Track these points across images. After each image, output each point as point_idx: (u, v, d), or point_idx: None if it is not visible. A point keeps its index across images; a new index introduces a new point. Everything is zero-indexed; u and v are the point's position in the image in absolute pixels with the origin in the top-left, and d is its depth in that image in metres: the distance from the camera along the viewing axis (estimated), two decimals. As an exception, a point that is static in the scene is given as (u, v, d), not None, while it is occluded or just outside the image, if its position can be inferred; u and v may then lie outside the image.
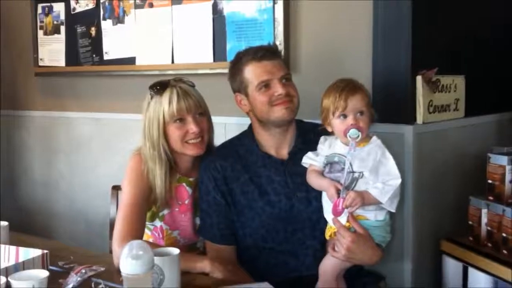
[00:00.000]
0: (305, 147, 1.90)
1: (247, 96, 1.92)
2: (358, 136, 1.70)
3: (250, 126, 2.01)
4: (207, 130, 1.96)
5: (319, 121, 1.85)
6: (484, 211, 1.99)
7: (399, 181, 1.71)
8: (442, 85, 2.16)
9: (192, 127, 1.90)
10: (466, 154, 2.28)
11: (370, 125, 1.78)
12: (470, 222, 2.05)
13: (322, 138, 1.85)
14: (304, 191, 1.88)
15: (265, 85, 1.87)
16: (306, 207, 1.89)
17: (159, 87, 1.92)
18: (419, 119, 2.09)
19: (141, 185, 1.91)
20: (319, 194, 1.85)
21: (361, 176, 1.72)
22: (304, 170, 1.86)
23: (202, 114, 1.95)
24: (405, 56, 2.08)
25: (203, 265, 1.74)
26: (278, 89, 1.86)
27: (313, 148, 1.87)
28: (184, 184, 2.00)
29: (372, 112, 1.78)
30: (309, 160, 1.85)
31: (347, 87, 1.76)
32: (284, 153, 1.95)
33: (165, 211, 1.98)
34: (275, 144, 1.95)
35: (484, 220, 1.99)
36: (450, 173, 2.23)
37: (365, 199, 1.70)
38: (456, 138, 2.26)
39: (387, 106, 2.12)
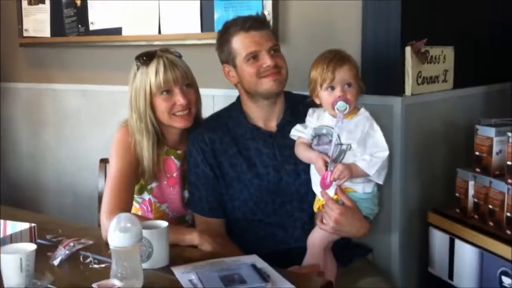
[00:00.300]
0: (294, 119, 1.89)
1: (235, 68, 1.90)
2: (346, 108, 1.70)
3: (238, 98, 1.99)
4: (194, 102, 1.94)
5: (308, 93, 1.84)
6: (471, 183, 2.00)
7: (386, 153, 1.72)
8: (431, 56, 2.15)
9: (179, 99, 1.88)
10: (455, 126, 2.28)
11: (358, 97, 1.77)
12: (457, 194, 2.06)
13: (310, 110, 1.84)
14: (292, 163, 1.88)
15: (253, 57, 1.85)
16: (295, 180, 1.90)
17: (146, 58, 1.89)
18: (408, 90, 2.08)
19: (128, 158, 1.90)
20: (307, 166, 1.85)
21: (349, 148, 1.72)
22: (292, 142, 1.86)
23: (189, 85, 1.93)
24: (394, 27, 2.06)
25: (192, 237, 1.74)
26: (267, 61, 1.84)
27: (302, 120, 1.86)
28: (172, 156, 1.99)
29: (360, 84, 1.77)
30: (297, 132, 1.84)
31: (335, 58, 1.74)
32: (272, 125, 1.94)
33: (153, 184, 1.97)
34: (264, 116, 1.94)
35: (471, 192, 2.00)
36: (439, 145, 2.24)
37: (353, 172, 1.70)
38: (444, 109, 2.26)
39: (376, 78, 2.11)
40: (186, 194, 2.00)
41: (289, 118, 1.92)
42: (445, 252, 2.01)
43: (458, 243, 1.96)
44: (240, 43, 1.86)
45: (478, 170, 1.98)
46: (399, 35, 2.06)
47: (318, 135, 1.78)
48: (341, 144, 1.72)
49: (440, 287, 2.04)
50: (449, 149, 2.27)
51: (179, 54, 1.95)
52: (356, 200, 1.77)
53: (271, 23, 2.22)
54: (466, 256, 1.92)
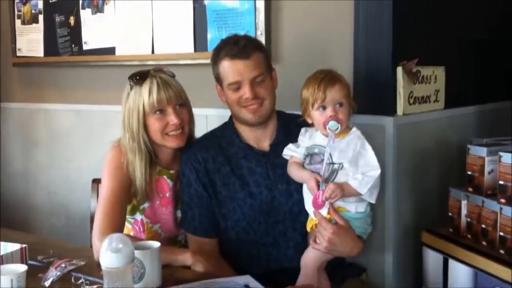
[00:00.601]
0: (287, 139, 1.89)
1: (222, 89, 1.91)
2: (338, 128, 1.71)
3: (231, 117, 2.00)
4: (187, 121, 1.94)
5: (300, 112, 1.85)
6: (463, 203, 2.00)
7: (378, 171, 1.72)
8: (422, 76, 2.17)
9: (173, 119, 1.88)
10: (447, 145, 2.29)
11: (350, 117, 1.78)
12: (450, 214, 2.06)
13: (302, 130, 1.85)
14: (285, 183, 1.88)
15: (236, 87, 1.85)
16: (287, 199, 1.89)
17: (139, 77, 1.89)
18: (400, 110, 2.09)
19: (121, 178, 1.89)
20: (300, 186, 1.85)
21: (341, 167, 1.72)
22: (285, 162, 1.86)
23: (183, 105, 1.93)
24: (386, 47, 2.08)
25: (185, 257, 1.73)
26: (246, 92, 1.83)
27: (295, 139, 1.86)
28: (165, 176, 1.99)
29: (352, 103, 1.78)
30: (290, 152, 1.85)
31: (326, 78, 1.75)
32: (265, 145, 1.95)
33: (146, 204, 1.96)
34: (255, 137, 1.94)
35: (464, 211, 2.00)
36: (431, 164, 2.25)
37: (345, 191, 1.70)
38: (436, 129, 2.27)
39: (368, 97, 2.12)
40: (179, 214, 1.99)
41: (282, 138, 1.92)
42: (439, 271, 2.00)
43: (452, 262, 1.95)
44: (225, 70, 1.87)
45: (470, 189, 1.99)
46: (390, 55, 2.07)
47: (310, 155, 1.79)
48: (333, 164, 1.72)
49: (434, 306, 2.03)
50: (441, 168, 2.27)
51: (173, 73, 1.96)
52: (349, 219, 1.76)
53: (263, 42, 2.23)
54: (460, 275, 1.91)
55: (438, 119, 2.27)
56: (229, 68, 1.85)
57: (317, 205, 1.73)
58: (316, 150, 1.77)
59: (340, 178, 1.73)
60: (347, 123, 1.77)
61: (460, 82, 2.37)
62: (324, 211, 1.74)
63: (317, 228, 1.76)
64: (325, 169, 1.71)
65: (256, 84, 1.85)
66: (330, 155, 1.72)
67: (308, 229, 1.84)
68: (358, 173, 1.71)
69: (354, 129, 1.78)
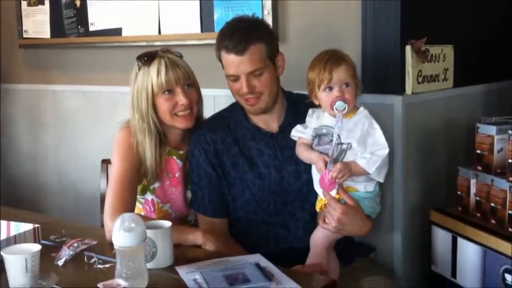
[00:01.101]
0: (296, 120, 1.89)
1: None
2: (345, 108, 1.70)
3: None
4: (196, 101, 1.94)
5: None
6: (472, 181, 2.00)
7: (386, 150, 1.71)
8: (431, 55, 2.16)
9: (181, 99, 1.88)
10: (455, 124, 2.29)
11: (356, 96, 1.77)
12: (459, 193, 2.06)
13: (310, 111, 1.85)
14: (294, 164, 1.89)
15: (234, 79, 1.85)
16: (296, 180, 1.90)
17: (147, 58, 1.89)
18: (408, 89, 2.09)
19: (130, 159, 1.90)
20: (309, 167, 1.85)
21: (350, 147, 1.72)
22: (294, 143, 1.86)
23: (191, 85, 1.93)
24: (394, 26, 2.07)
25: (195, 237, 1.75)
26: (243, 87, 1.83)
27: (303, 120, 1.86)
28: (174, 157, 1.99)
29: (358, 83, 1.78)
30: (298, 133, 1.85)
31: (331, 58, 1.74)
32: (274, 126, 1.94)
33: (156, 184, 1.97)
34: (263, 120, 1.94)
35: (472, 190, 2.00)
36: (440, 143, 2.25)
37: (353, 170, 1.70)
38: (445, 108, 2.26)
39: (376, 77, 2.12)
40: (189, 194, 2.00)
41: (291, 119, 1.92)
42: (447, 250, 2.01)
43: (460, 241, 1.96)
44: (223, 61, 1.87)
45: (479, 168, 1.99)
46: (399, 34, 2.06)
47: (318, 135, 1.79)
48: (341, 144, 1.72)
49: (443, 285, 2.04)
50: (450, 148, 2.27)
51: (180, 54, 1.95)
52: (358, 199, 1.77)
53: (270, 22, 2.21)
54: (469, 254, 1.92)
55: (447, 98, 2.26)
56: (226, 61, 1.85)
57: (324, 186, 1.73)
58: (324, 131, 1.77)
59: (348, 158, 1.73)
60: (354, 103, 1.76)
61: (469, 60, 2.36)
62: (333, 191, 1.75)
63: (326, 208, 1.77)
64: (333, 150, 1.71)
65: (253, 77, 1.83)
66: (338, 135, 1.72)
67: (317, 209, 1.84)
68: (367, 152, 1.71)
69: (361, 108, 1.77)
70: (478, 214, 1.98)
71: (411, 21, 2.08)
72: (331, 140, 1.72)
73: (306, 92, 1.86)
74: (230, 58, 1.83)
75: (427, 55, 2.14)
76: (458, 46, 2.28)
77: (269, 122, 1.94)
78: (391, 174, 2.06)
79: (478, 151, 1.99)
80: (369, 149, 1.72)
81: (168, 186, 1.99)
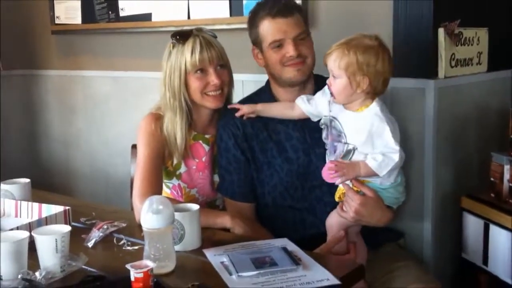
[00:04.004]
0: None
1: (262, 52, 1.90)
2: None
3: (268, 82, 1.99)
4: (227, 83, 1.94)
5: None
6: (506, 167, 1.96)
7: (397, 155, 1.62)
8: (464, 38, 2.11)
9: (213, 79, 1.88)
10: (489, 109, 2.24)
11: (353, 92, 1.65)
12: (492, 179, 2.02)
13: (326, 88, 1.76)
14: (322, 146, 1.86)
15: (278, 45, 1.84)
16: (324, 163, 1.88)
17: (182, 36, 1.89)
18: (441, 73, 2.05)
19: (154, 144, 1.92)
20: None
21: (354, 150, 1.67)
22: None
23: (223, 66, 1.93)
24: (427, 8, 2.03)
25: (224, 220, 1.75)
26: (290, 50, 1.82)
27: None
28: (200, 141, 2.00)
29: (360, 79, 1.63)
30: (301, 102, 1.83)
31: (339, 44, 1.68)
32: None
33: (182, 169, 1.98)
34: (292, 100, 1.92)
35: (506, 176, 1.96)
36: (472, 128, 2.20)
37: (362, 171, 1.64)
38: (478, 92, 2.22)
39: (408, 60, 2.08)
40: (216, 178, 2.01)
41: None
42: (479, 237, 1.98)
43: (492, 228, 1.92)
44: (266, 29, 1.86)
45: (513, 154, 1.95)
46: (431, 16, 2.02)
47: (326, 126, 1.75)
48: (347, 143, 1.68)
49: (474, 272, 2.01)
50: (482, 133, 2.23)
51: (214, 34, 1.95)
52: (377, 189, 1.72)
53: (300, 5, 2.19)
54: (501, 241, 1.89)
55: (480, 82, 2.21)
56: (271, 27, 1.84)
57: (326, 177, 1.70)
58: (333, 123, 1.73)
59: (357, 157, 1.67)
60: (343, 99, 1.68)
61: (504, 44, 2.30)
62: (348, 181, 1.71)
63: (345, 198, 1.73)
64: (330, 144, 1.70)
65: (299, 42, 1.84)
66: (344, 134, 1.68)
67: (336, 198, 1.80)
68: (377, 153, 1.64)
69: (373, 104, 1.68)
70: (511, 201, 1.94)
71: (444, 3, 2.04)
72: (339, 135, 1.69)
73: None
74: (276, 23, 1.83)
75: (461, 38, 2.10)
76: (493, 29, 2.22)
77: None
78: (421, 160, 2.03)
79: (512, 136, 1.95)
80: (379, 150, 1.64)
81: (195, 171, 1.99)
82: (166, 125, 1.93)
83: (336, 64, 1.65)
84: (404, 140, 2.01)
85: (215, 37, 1.95)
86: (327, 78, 1.96)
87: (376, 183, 1.72)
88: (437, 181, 2.05)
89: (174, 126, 1.91)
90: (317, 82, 1.95)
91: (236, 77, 2.11)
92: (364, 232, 1.83)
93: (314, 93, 1.92)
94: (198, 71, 1.88)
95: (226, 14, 2.57)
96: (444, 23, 2.02)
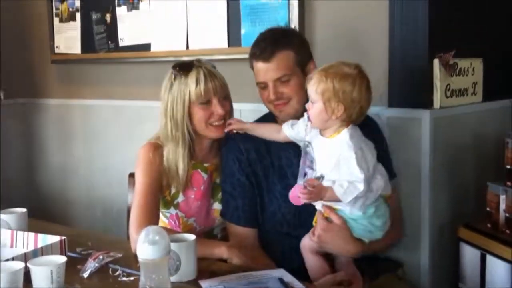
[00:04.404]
0: None
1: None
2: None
3: None
4: (229, 113, 1.97)
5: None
6: (502, 197, 1.96)
7: (362, 184, 1.61)
8: (459, 68, 2.13)
9: (218, 110, 1.90)
10: (484, 139, 2.25)
11: (328, 119, 1.67)
12: (488, 209, 2.02)
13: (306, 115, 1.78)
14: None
15: (263, 86, 1.88)
16: None
17: (184, 67, 1.91)
18: (436, 103, 2.06)
19: (152, 174, 1.92)
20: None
21: (322, 179, 1.67)
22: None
23: (226, 97, 1.95)
24: (422, 39, 2.05)
25: (221, 251, 1.75)
26: (270, 93, 1.86)
27: None
28: (199, 170, 2.00)
29: (334, 106, 1.65)
30: (286, 128, 1.84)
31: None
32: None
33: (180, 199, 1.98)
34: None
35: (502, 206, 1.96)
36: (468, 158, 2.21)
37: (327, 196, 1.65)
38: (474, 122, 2.23)
39: (404, 90, 2.11)
40: (215, 206, 2.01)
41: None
42: (476, 267, 1.97)
43: (489, 258, 1.91)
44: (254, 69, 1.91)
45: (509, 183, 1.94)
46: (426, 47, 2.05)
47: (304, 152, 1.77)
48: (315, 170, 1.70)
49: (472, 302, 2.00)
50: (479, 163, 2.23)
51: (214, 65, 1.98)
52: (347, 219, 1.70)
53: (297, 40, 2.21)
54: (498, 271, 1.88)
55: (476, 112, 2.23)
56: (255, 68, 1.89)
57: (292, 198, 1.73)
58: (308, 149, 1.75)
59: (325, 184, 1.67)
60: (319, 124, 1.70)
61: (499, 74, 2.33)
62: (318, 204, 1.73)
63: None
64: (301, 167, 1.73)
65: (281, 84, 1.86)
66: (315, 161, 1.71)
67: (313, 222, 1.80)
68: (344, 179, 1.63)
69: (344, 131, 1.68)
70: (508, 231, 1.93)
71: (439, 34, 2.07)
72: (311, 161, 1.72)
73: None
74: (258, 65, 1.87)
75: (456, 68, 2.12)
76: (488, 60, 2.25)
77: None
78: (418, 189, 2.04)
79: (508, 166, 1.95)
80: (345, 177, 1.63)
81: (193, 200, 1.99)
82: (166, 155, 1.93)
83: (313, 89, 1.68)
84: (401, 169, 2.03)
85: (215, 67, 1.97)
86: None
87: (346, 211, 1.71)
88: (434, 210, 2.05)
89: (176, 157, 1.92)
90: None
91: (234, 106, 2.13)
92: (361, 262, 1.82)
93: None
94: (202, 102, 1.90)
95: (224, 44, 2.60)
96: (439, 54, 2.04)
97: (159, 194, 1.94)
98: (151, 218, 1.82)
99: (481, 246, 1.96)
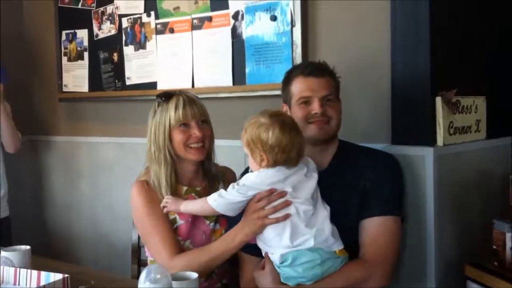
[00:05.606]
0: (342, 164, 1.94)
1: (290, 108, 1.96)
2: None
3: None
4: (209, 137, 2.04)
5: (363, 144, 1.94)
6: (508, 235, 1.94)
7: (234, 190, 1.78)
8: (462, 106, 2.14)
9: (195, 132, 1.98)
10: (489, 176, 2.24)
11: (256, 167, 1.78)
12: (494, 247, 2.00)
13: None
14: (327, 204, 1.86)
15: (305, 102, 1.91)
16: (327, 222, 1.86)
17: (166, 96, 2.02)
18: (440, 141, 2.06)
19: (153, 204, 1.99)
20: (345, 211, 1.86)
21: None
22: (336, 185, 1.88)
23: (205, 122, 2.03)
24: (424, 77, 2.07)
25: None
26: (315, 108, 1.89)
27: (348, 166, 1.92)
28: (192, 194, 2.06)
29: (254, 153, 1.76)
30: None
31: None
32: (322, 165, 1.94)
33: (178, 223, 2.02)
34: (313, 158, 1.90)
35: (508, 244, 1.94)
36: (473, 195, 2.20)
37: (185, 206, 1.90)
38: (478, 160, 2.23)
39: (407, 128, 2.11)
40: (210, 226, 2.05)
41: (338, 162, 1.95)
42: (483, 306, 1.94)
43: (496, 297, 1.89)
44: (297, 87, 1.94)
45: (515, 221, 1.93)
46: (429, 85, 2.06)
47: None
48: None
49: None
50: (484, 200, 2.22)
51: (196, 95, 2.07)
52: (275, 264, 1.79)
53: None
54: (506, 310, 1.85)
55: (480, 150, 2.23)
56: (302, 85, 1.93)
57: None
58: None
59: None
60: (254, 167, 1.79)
61: (502, 111, 2.33)
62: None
63: None
64: None
65: (326, 102, 1.91)
66: None
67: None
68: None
69: (261, 169, 1.79)
70: (515, 269, 1.91)
71: (442, 72, 2.08)
72: None
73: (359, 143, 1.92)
74: (307, 81, 1.92)
75: (458, 106, 2.13)
76: (491, 97, 2.26)
77: (318, 161, 1.92)
78: (423, 227, 2.03)
79: (513, 204, 1.94)
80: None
81: (190, 223, 2.03)
82: (152, 179, 2.02)
83: (242, 143, 1.79)
84: (405, 206, 2.02)
85: (197, 97, 2.06)
86: (352, 144, 2.03)
87: (273, 257, 1.79)
88: (439, 248, 2.03)
89: (159, 177, 2.00)
90: (341, 146, 1.99)
91: (238, 143, 2.15)
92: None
93: (335, 157, 1.97)
94: (182, 125, 1.98)
95: (229, 83, 2.64)
96: (441, 92, 2.05)
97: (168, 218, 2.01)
98: (176, 243, 1.94)
99: (488, 284, 1.93)
